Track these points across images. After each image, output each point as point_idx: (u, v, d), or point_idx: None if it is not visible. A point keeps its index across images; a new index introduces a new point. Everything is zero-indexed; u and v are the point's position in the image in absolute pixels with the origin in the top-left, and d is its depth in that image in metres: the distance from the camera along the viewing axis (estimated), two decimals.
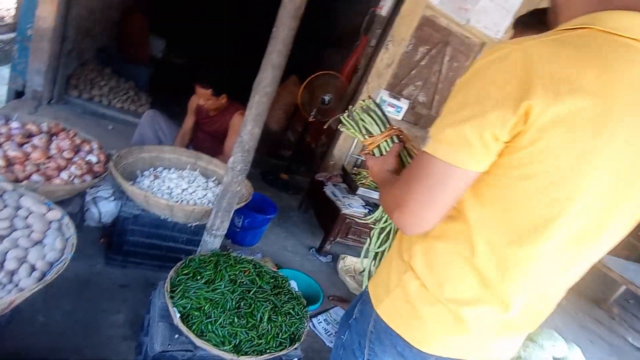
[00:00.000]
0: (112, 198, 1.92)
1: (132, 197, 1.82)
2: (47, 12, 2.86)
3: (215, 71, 2.57)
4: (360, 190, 3.07)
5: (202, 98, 2.47)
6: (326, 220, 3.03)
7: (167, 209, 1.77)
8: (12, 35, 4.36)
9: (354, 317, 0.92)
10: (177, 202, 1.86)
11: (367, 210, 2.96)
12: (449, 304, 0.75)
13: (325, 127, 1.71)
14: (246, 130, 1.49)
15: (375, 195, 3.09)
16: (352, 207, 2.88)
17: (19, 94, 3.13)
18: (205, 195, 2.02)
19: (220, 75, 2.53)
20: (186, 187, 1.99)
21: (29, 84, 3.07)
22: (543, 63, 0.60)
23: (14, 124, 1.69)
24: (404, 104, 3.59)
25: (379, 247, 1.04)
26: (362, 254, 1.10)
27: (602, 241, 0.73)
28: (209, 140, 2.70)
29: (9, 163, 1.52)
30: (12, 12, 4.59)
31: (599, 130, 0.60)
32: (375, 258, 1.07)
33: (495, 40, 3.65)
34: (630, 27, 0.61)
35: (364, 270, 1.08)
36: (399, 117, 3.63)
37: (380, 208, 1.06)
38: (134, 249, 1.89)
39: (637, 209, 0.71)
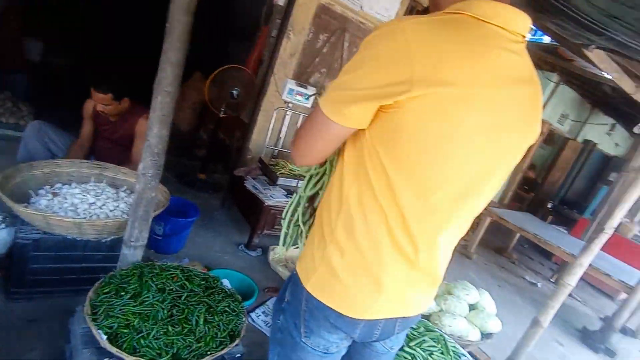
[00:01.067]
0: (3, 225, 1.69)
1: (28, 221, 1.63)
2: None
3: (114, 73, 2.35)
4: (281, 180, 3.11)
5: (100, 103, 2.26)
6: (251, 214, 3.02)
7: (74, 228, 1.62)
8: None
9: (286, 300, 0.95)
10: (84, 218, 1.71)
11: (290, 199, 3.01)
12: (370, 270, 0.83)
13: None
14: (153, 134, 1.42)
15: (295, 182, 3.15)
16: (275, 198, 2.91)
17: None
18: (118, 206, 1.89)
19: (120, 77, 2.33)
20: (94, 201, 1.83)
21: None
22: (420, 43, 0.69)
23: None
24: (311, 92, 3.68)
25: (310, 191, 1.09)
26: (284, 214, 1.14)
27: (482, 196, 0.86)
28: (114, 148, 2.49)
29: None
30: None
31: (465, 105, 0.71)
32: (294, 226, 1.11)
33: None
34: (493, 15, 0.73)
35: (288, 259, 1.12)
36: (308, 104, 3.72)
37: None
38: (40, 277, 1.70)
39: (504, 169, 0.86)
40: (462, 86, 0.70)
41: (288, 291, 0.95)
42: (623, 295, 3.99)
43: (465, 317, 2.19)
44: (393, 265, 0.83)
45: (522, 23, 0.76)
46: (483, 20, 0.73)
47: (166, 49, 1.31)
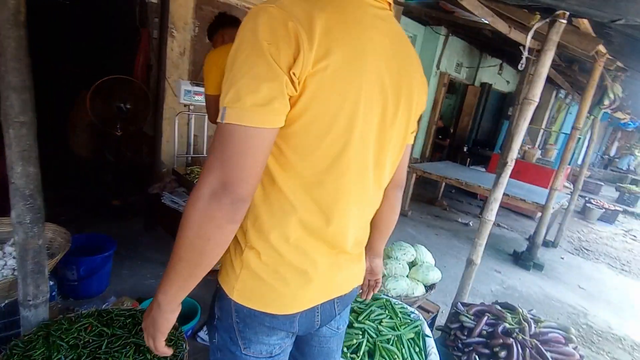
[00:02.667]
0: None
1: None
2: None
3: None
4: None
5: None
6: (176, 230, 2.82)
7: None
8: None
9: (216, 317, 0.88)
10: None
11: None
12: (290, 263, 0.79)
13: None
14: (17, 174, 1.21)
15: None
16: None
17: None
18: (5, 264, 1.62)
19: None
20: None
21: None
22: (299, 21, 0.64)
23: None
24: None
25: None
26: None
27: (386, 162, 0.86)
28: None
29: None
30: None
31: (353, 77, 0.70)
32: None
33: None
34: None
35: None
36: None
37: None
38: None
39: (403, 132, 0.87)
40: (348, 58, 0.68)
41: (216, 307, 0.88)
42: (539, 214, 4.46)
43: (407, 276, 2.26)
44: (312, 252, 0.81)
45: None
46: None
47: (3, 72, 1.10)
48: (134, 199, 3.84)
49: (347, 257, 0.89)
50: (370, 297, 1.23)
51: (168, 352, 0.82)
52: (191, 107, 3.16)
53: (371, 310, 1.77)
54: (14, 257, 1.67)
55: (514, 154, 2.14)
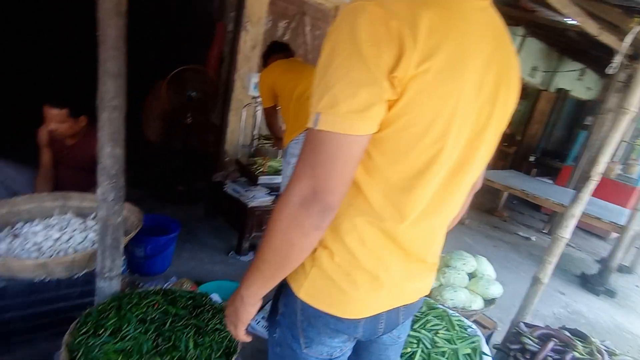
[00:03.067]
0: None
1: None
2: None
3: (69, 87, 2.13)
4: (262, 179, 3.00)
5: (53, 122, 2.08)
6: (236, 219, 2.92)
7: (40, 269, 1.50)
8: None
9: (280, 312, 0.89)
10: (50, 256, 1.59)
11: (274, 196, 2.92)
12: (363, 267, 0.77)
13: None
14: (106, 154, 1.30)
15: (277, 179, 3.05)
16: (258, 199, 2.81)
17: None
18: (87, 237, 1.77)
19: (76, 91, 2.13)
20: (59, 236, 1.71)
21: None
22: (402, 20, 0.60)
23: None
24: None
25: None
26: None
27: (473, 168, 0.81)
28: (75, 174, 2.33)
29: None
30: None
31: (455, 79, 0.65)
32: None
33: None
34: None
35: None
36: None
37: None
38: (14, 326, 1.58)
39: (495, 136, 0.81)
40: (451, 58, 0.64)
41: (280, 302, 0.88)
42: (614, 235, 4.04)
43: (466, 287, 2.15)
44: (387, 258, 0.78)
45: None
46: None
47: (103, 59, 1.18)
48: (198, 186, 4.03)
49: (421, 266, 0.86)
50: None
51: (247, 339, 0.88)
52: (259, 99, 3.23)
53: (427, 320, 1.70)
54: (94, 231, 1.82)
55: (599, 169, 1.95)
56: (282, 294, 0.88)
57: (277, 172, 3.09)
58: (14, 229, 1.78)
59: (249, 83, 3.20)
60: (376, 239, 0.76)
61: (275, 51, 2.63)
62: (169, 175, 3.98)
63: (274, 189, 2.99)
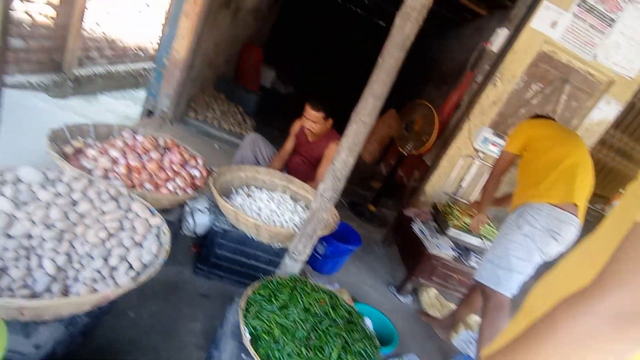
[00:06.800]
0: (207, 211, 2.05)
1: (224, 213, 1.92)
2: (182, 46, 3.30)
3: (326, 97, 2.66)
4: (451, 231, 2.84)
5: (309, 120, 2.55)
6: (410, 258, 2.86)
7: (254, 228, 1.83)
8: (151, 64, 5.16)
9: None
10: (264, 222, 1.91)
11: (457, 254, 2.72)
12: None
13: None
14: (340, 159, 1.48)
15: (467, 238, 2.83)
16: (441, 249, 2.67)
17: (149, 113, 3.63)
18: (293, 218, 2.05)
19: (330, 101, 2.61)
20: (275, 209, 2.04)
21: (159, 105, 3.55)
22: None
23: (139, 138, 1.93)
24: None
25: None
26: None
27: None
28: (304, 164, 2.77)
29: (129, 171, 1.72)
30: (155, 45, 5.42)
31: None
32: None
33: (627, 79, 3.19)
34: None
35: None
36: None
37: None
38: (219, 262, 1.98)
39: None
40: None
41: None
42: None
43: None
44: None
45: None
46: None
47: (372, 80, 1.34)
48: (386, 213, 4.16)
49: None
50: None
51: None
52: (480, 155, 3.09)
53: None
54: (299, 216, 2.09)
55: None
56: None
57: (469, 230, 2.87)
58: (249, 190, 2.22)
59: (477, 136, 3.07)
60: None
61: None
62: (366, 194, 4.24)
63: (459, 246, 2.79)
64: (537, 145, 2.15)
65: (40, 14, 3.11)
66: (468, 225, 2.88)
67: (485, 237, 2.84)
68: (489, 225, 2.98)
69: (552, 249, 1.99)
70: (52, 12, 3.22)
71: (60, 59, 3.55)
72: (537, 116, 2.47)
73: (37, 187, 1.30)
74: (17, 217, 1.21)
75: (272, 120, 5.65)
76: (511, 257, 2.00)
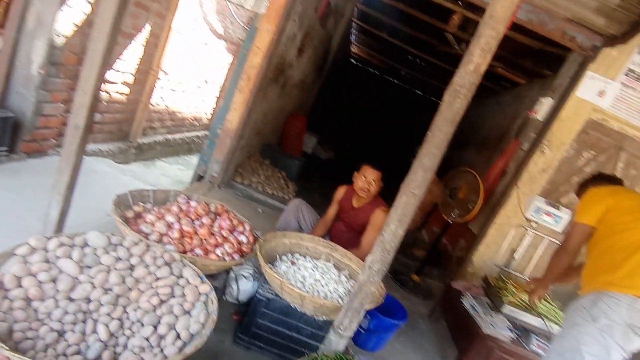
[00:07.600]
0: (251, 278, 2.04)
1: (269, 281, 1.90)
2: (234, 117, 3.57)
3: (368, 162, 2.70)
4: (507, 309, 2.61)
5: (367, 180, 2.57)
6: (462, 337, 2.63)
7: (299, 299, 1.78)
8: (206, 132, 5.59)
9: None
10: (308, 292, 1.87)
11: (516, 335, 2.47)
12: None
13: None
14: (389, 230, 1.46)
15: (525, 317, 2.58)
16: (497, 328, 2.44)
17: (199, 178, 3.84)
18: (337, 289, 1.99)
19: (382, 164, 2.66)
20: (319, 278, 2.00)
21: (209, 170, 3.75)
22: None
23: (192, 203, 2.02)
24: (564, 214, 3.12)
25: None
26: None
27: None
28: (347, 231, 2.75)
29: (182, 236, 1.79)
30: (208, 116, 5.91)
31: None
32: None
33: None
34: None
35: None
36: (558, 228, 3.14)
37: None
38: (261, 332, 1.92)
39: None
40: None
41: None
42: None
43: None
44: None
45: None
46: None
47: (422, 154, 1.36)
48: (431, 283, 3.94)
49: None
50: None
51: None
52: (533, 225, 2.93)
53: None
54: (343, 286, 2.03)
55: None
56: None
57: (527, 309, 2.62)
58: (293, 257, 2.21)
59: (529, 205, 2.94)
60: None
61: (599, 182, 2.14)
62: (409, 262, 4.08)
63: (516, 326, 2.54)
64: (615, 220, 1.88)
65: (117, 92, 3.51)
66: (526, 303, 2.65)
67: (546, 316, 2.58)
68: (546, 301, 2.73)
69: (636, 346, 1.72)
70: (127, 90, 3.63)
71: (128, 129, 3.93)
72: (602, 176, 2.20)
73: (101, 252, 1.37)
74: (80, 280, 1.27)
75: (313, 185, 5.77)
76: (584, 353, 1.70)
